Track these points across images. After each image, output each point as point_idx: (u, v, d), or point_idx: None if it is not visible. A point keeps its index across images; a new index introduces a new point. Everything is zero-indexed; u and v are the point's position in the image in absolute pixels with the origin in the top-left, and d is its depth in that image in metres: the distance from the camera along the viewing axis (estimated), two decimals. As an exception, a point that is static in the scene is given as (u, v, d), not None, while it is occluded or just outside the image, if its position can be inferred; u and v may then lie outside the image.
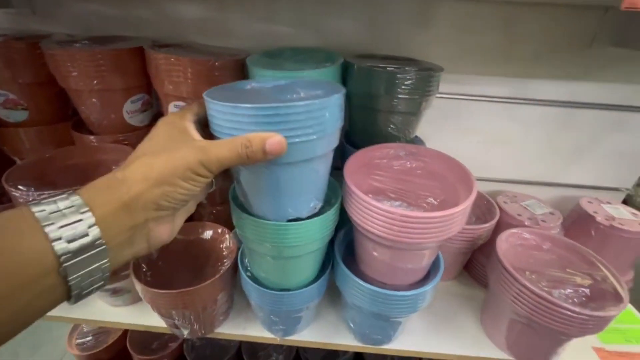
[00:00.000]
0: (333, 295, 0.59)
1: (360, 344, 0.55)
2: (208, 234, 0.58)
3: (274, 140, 0.27)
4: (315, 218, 0.39)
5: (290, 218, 0.38)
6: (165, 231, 0.28)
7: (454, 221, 0.36)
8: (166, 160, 0.25)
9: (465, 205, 0.36)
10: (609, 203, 0.68)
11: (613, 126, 0.65)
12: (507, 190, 0.74)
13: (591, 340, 0.59)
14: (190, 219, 0.34)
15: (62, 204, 0.22)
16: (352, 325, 0.54)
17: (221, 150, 0.26)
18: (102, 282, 0.24)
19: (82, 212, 0.22)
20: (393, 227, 0.35)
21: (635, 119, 0.64)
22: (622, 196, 0.74)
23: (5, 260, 0.19)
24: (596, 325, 0.45)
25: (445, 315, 0.60)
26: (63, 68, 0.49)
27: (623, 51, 0.57)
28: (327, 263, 0.50)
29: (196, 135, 0.29)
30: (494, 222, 0.60)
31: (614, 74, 0.61)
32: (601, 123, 0.65)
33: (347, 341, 0.55)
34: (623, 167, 0.71)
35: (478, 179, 0.75)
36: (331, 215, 0.41)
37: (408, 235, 0.35)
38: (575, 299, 0.51)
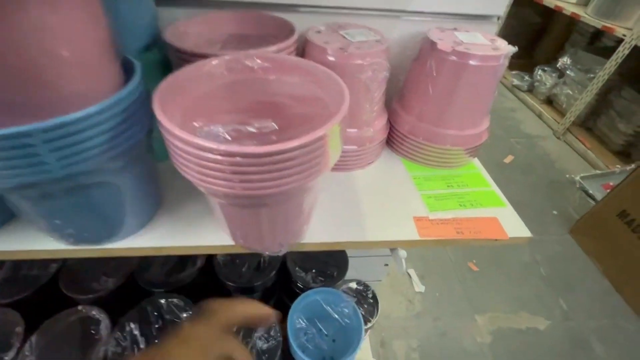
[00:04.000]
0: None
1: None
2: None
3: None
4: None
5: None
6: None
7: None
8: None
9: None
10: (467, 31, 0.49)
11: None
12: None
13: (419, 210, 0.44)
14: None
15: None
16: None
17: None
18: None
19: None
20: None
21: None
22: (495, 28, 0.55)
23: None
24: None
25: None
26: None
27: None
28: None
29: None
30: (279, 46, 0.38)
31: None
32: None
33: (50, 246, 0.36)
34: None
35: (307, 6, 0.51)
36: None
37: None
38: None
